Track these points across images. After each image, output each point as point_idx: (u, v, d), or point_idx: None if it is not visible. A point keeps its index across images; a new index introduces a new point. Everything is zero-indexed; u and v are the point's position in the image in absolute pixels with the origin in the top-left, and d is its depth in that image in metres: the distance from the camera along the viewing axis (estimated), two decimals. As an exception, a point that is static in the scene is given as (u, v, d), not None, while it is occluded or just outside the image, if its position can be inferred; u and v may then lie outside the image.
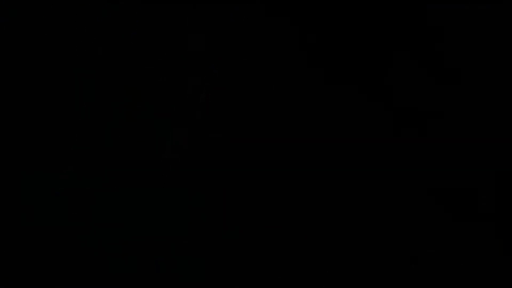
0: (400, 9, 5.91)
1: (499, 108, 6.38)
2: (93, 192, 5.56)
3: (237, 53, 5.57)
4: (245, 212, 5.51)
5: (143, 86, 5.54)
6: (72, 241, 5.75)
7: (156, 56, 5.46)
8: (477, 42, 6.18)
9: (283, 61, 5.75)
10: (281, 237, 5.74)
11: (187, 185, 5.74)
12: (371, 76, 5.94)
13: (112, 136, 5.64)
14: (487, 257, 6.00)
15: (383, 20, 5.93)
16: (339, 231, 5.74)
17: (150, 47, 5.57)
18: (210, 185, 5.56)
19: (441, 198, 6.20)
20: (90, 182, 5.58)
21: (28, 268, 5.75)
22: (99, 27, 5.69)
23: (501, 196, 6.24)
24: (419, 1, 6.03)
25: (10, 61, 5.95)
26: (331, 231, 5.72)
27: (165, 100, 5.58)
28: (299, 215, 5.72)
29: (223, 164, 5.46)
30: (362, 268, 5.65)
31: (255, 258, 5.58)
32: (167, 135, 5.40)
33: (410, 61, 5.89)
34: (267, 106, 5.42)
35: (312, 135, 5.93)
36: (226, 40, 5.55)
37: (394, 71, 5.89)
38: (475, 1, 6.05)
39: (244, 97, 5.41)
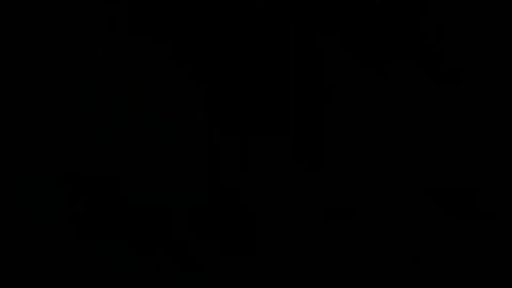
0: (401, 10, 5.88)
1: (499, 108, 6.35)
2: (93, 192, 5.53)
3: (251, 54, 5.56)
4: (245, 211, 5.48)
5: (143, 86, 5.51)
6: (71, 241, 5.71)
7: (156, 56, 5.43)
8: (477, 42, 6.15)
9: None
10: (278, 237, 5.71)
11: (187, 185, 5.72)
12: (372, 75, 5.92)
13: (112, 136, 5.59)
14: (487, 257, 5.99)
15: (384, 21, 5.91)
16: (339, 231, 5.70)
17: (149, 48, 5.54)
18: (210, 185, 5.52)
19: (441, 198, 6.19)
20: (89, 182, 5.55)
21: (28, 268, 5.73)
22: (99, 27, 5.66)
23: (501, 196, 6.22)
24: (419, 1, 5.98)
25: (10, 61, 5.93)
26: (330, 231, 5.69)
27: (165, 100, 5.56)
28: (297, 215, 5.70)
29: (222, 163, 5.43)
30: (362, 268, 5.63)
31: (254, 258, 5.55)
32: (166, 135, 5.36)
33: (410, 61, 5.88)
34: (264, 106, 5.41)
35: (308, 135, 5.91)
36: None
37: (394, 71, 5.87)
38: (475, 1, 6.00)
39: (245, 97, 5.38)
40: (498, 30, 5.95)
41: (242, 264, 5.23)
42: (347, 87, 5.73)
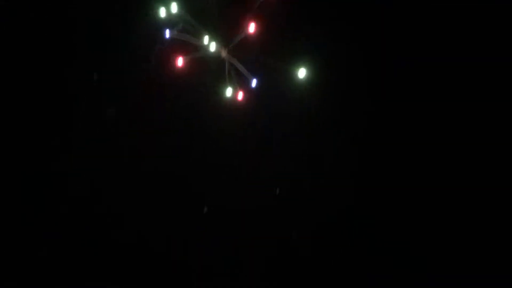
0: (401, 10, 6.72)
1: (499, 108, 7.16)
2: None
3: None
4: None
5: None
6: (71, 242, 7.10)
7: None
8: (477, 42, 6.96)
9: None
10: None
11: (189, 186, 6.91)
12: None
13: (112, 138, 6.63)
14: (487, 257, 7.02)
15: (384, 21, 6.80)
16: (339, 230, 6.99)
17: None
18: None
19: (440, 198, 7.25)
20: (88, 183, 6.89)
21: (28, 268, 7.01)
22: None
23: (501, 196, 7.17)
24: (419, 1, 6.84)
25: (12, 61, 7.08)
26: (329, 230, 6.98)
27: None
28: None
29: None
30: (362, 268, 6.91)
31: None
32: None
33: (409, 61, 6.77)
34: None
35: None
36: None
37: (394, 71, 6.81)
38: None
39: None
40: (498, 30, 6.83)
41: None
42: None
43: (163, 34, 7.75)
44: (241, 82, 7.74)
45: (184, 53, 7.74)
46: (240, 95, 7.81)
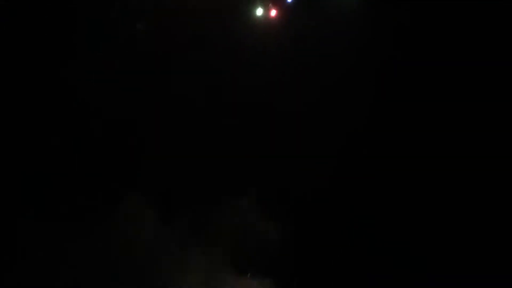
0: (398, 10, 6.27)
1: (499, 108, 6.74)
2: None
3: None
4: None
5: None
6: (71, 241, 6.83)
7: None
8: (476, 41, 6.45)
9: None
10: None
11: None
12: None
13: (112, 138, 6.52)
14: (487, 257, 6.73)
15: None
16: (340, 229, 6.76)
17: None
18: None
19: (441, 198, 7.04)
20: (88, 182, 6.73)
21: (28, 268, 6.78)
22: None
23: (500, 196, 7.04)
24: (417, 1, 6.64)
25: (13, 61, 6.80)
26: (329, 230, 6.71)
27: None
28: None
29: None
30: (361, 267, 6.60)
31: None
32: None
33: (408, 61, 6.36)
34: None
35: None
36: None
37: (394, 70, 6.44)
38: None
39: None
40: (498, 30, 6.67)
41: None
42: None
43: None
44: (274, -4, 6.73)
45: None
46: (273, 12, 6.77)
